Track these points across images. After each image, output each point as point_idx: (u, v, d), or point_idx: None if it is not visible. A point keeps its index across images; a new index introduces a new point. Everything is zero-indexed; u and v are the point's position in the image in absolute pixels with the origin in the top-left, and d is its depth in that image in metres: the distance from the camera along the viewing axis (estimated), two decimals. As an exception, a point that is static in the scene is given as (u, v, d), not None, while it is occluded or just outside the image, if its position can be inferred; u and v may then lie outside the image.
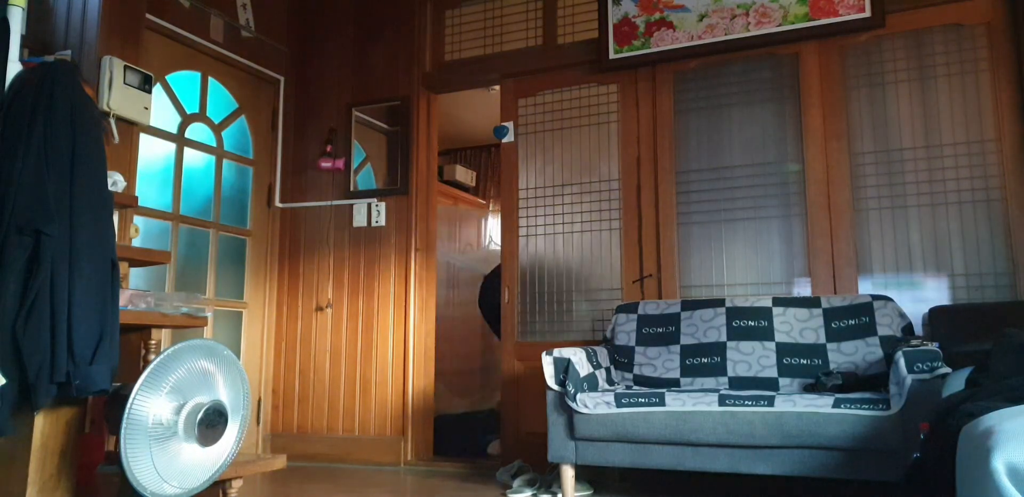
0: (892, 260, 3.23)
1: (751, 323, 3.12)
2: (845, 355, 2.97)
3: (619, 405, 2.72)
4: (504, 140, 3.94)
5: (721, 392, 2.67)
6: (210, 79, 4.06)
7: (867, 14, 3.32)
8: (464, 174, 6.55)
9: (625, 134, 3.75)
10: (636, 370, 3.22)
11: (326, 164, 4.26)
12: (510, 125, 3.94)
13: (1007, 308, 2.91)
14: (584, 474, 3.10)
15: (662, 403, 2.68)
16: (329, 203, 4.29)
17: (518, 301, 3.83)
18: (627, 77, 3.79)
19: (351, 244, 4.21)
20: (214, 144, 4.09)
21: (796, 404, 2.51)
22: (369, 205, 4.19)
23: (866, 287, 3.24)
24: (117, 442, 1.91)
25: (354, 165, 4.31)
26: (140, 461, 1.95)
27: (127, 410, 1.93)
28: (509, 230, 3.91)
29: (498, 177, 6.98)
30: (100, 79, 3.14)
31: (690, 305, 3.28)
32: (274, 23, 4.38)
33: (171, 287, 3.70)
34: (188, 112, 3.93)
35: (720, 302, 3.22)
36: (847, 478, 2.46)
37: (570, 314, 3.74)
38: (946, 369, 2.36)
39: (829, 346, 3.01)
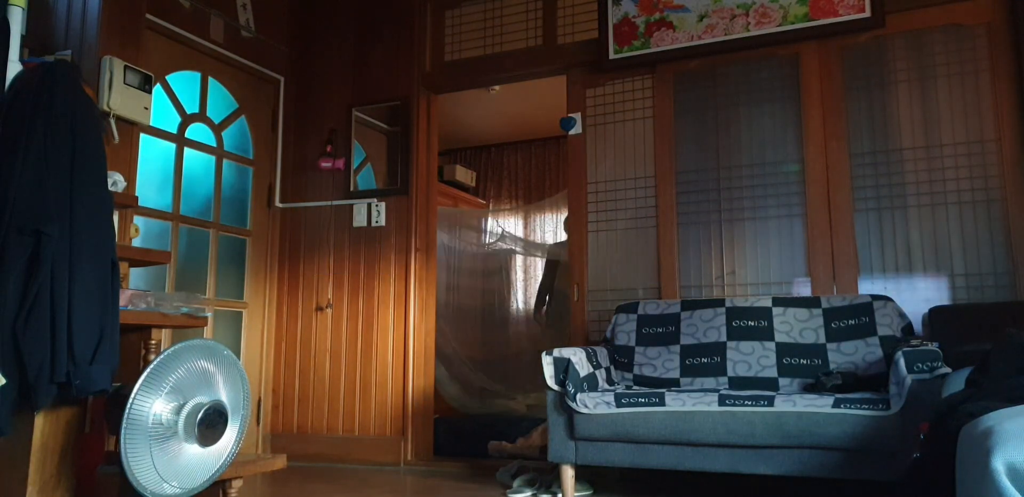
0: (892, 260, 3.23)
1: (751, 323, 3.12)
2: (845, 355, 2.97)
3: (619, 405, 2.72)
4: (571, 132, 3.89)
5: (721, 392, 2.67)
6: (210, 79, 4.06)
7: (867, 14, 3.32)
8: (464, 174, 6.55)
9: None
10: (636, 370, 3.22)
11: (326, 164, 4.26)
12: (578, 116, 3.90)
13: (1007, 308, 2.91)
14: (584, 474, 3.10)
15: (662, 403, 2.68)
16: (329, 203, 4.29)
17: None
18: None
19: (351, 244, 4.21)
20: (214, 144, 4.09)
21: (796, 404, 2.51)
22: (369, 205, 4.19)
23: (866, 287, 3.23)
24: (117, 442, 1.92)
25: (354, 165, 4.31)
26: (140, 461, 1.95)
27: (127, 410, 1.93)
28: (578, 225, 3.82)
29: (498, 177, 6.99)
30: (100, 79, 3.14)
31: (690, 305, 3.28)
32: (274, 23, 4.38)
33: (171, 287, 3.70)
34: (188, 112, 3.93)
35: (720, 302, 3.22)
36: (847, 478, 2.46)
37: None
38: (946, 369, 2.36)
39: (829, 346, 3.01)
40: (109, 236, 2.16)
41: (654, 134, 3.70)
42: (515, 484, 3.13)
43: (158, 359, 2.02)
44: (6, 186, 2.00)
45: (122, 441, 1.91)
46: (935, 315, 2.97)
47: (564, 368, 2.84)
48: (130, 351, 2.43)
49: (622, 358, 3.27)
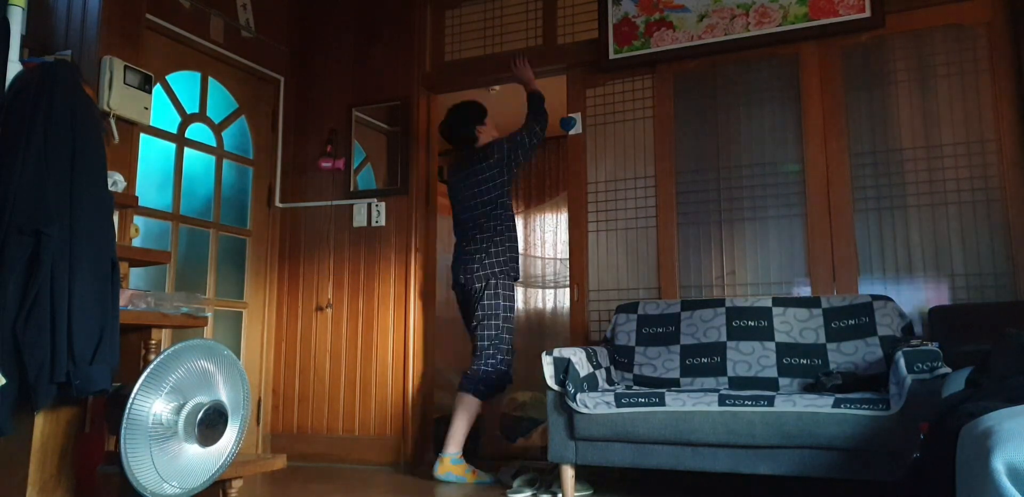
0: (892, 260, 3.23)
1: (751, 323, 3.12)
2: (845, 355, 2.97)
3: (619, 405, 2.72)
4: (571, 132, 3.90)
5: (721, 392, 2.67)
6: (210, 79, 4.06)
7: (867, 14, 3.32)
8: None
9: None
10: (636, 370, 3.22)
11: (326, 164, 4.26)
12: (578, 116, 3.90)
13: (1007, 308, 2.91)
14: (584, 474, 3.10)
15: (662, 403, 2.68)
16: (329, 203, 4.29)
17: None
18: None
19: (351, 244, 4.21)
20: (214, 144, 4.09)
21: (796, 404, 2.51)
22: (369, 205, 4.19)
23: (866, 287, 3.23)
24: (117, 442, 1.92)
25: (354, 165, 4.31)
26: (140, 461, 1.95)
27: (127, 410, 1.93)
28: (577, 226, 3.81)
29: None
30: (100, 79, 3.14)
31: (690, 305, 3.28)
32: (274, 23, 4.38)
33: (171, 287, 3.70)
34: (188, 112, 3.93)
35: (720, 302, 3.22)
36: (847, 478, 2.46)
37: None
38: (946, 369, 2.36)
39: (829, 346, 3.01)
40: (109, 236, 2.16)
41: (654, 134, 3.70)
42: (515, 484, 3.13)
43: (158, 359, 2.02)
44: (6, 186, 2.00)
45: (122, 441, 1.91)
46: (935, 315, 2.97)
47: (564, 368, 2.83)
48: (130, 351, 2.43)
49: (622, 358, 3.27)
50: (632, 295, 3.62)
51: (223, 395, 2.19)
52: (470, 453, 3.99)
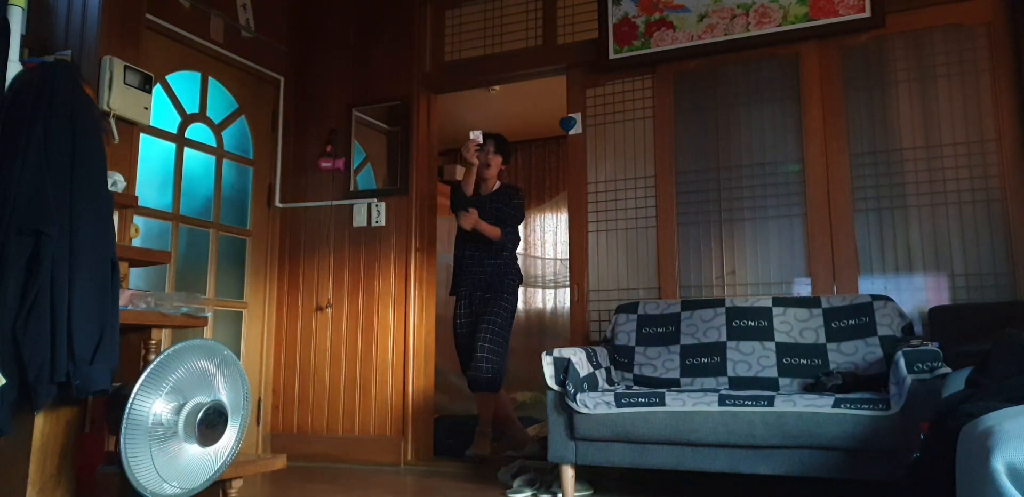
0: (892, 260, 3.23)
1: (751, 323, 3.12)
2: (845, 355, 2.97)
3: (619, 405, 2.72)
4: (571, 132, 3.90)
5: (721, 392, 2.67)
6: (210, 79, 4.06)
7: (867, 14, 3.32)
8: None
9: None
10: (636, 370, 3.22)
11: (326, 164, 4.26)
12: (578, 116, 3.91)
13: (1007, 308, 2.91)
14: (584, 474, 3.10)
15: (662, 403, 2.68)
16: (329, 203, 4.29)
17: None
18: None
19: (351, 244, 4.21)
20: (214, 144, 4.09)
21: (796, 404, 2.51)
22: (369, 205, 4.19)
23: (866, 287, 3.23)
24: (117, 442, 1.92)
25: (354, 165, 4.31)
26: (140, 461, 1.95)
27: (127, 410, 1.93)
28: (578, 225, 3.81)
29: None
30: (100, 79, 3.14)
31: (690, 305, 3.28)
32: (274, 23, 4.38)
33: (171, 287, 3.70)
34: (188, 112, 3.92)
35: (720, 302, 3.22)
36: (847, 478, 2.46)
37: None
38: (946, 369, 2.36)
39: (829, 346, 3.00)
40: (109, 236, 2.16)
41: (654, 134, 3.70)
42: (515, 484, 3.13)
43: (158, 359, 2.02)
44: (6, 186, 2.00)
45: (122, 441, 1.91)
46: (935, 315, 2.97)
47: (564, 368, 2.83)
48: (130, 351, 2.43)
49: (622, 358, 3.27)
50: (632, 295, 3.62)
51: (223, 395, 2.19)
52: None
